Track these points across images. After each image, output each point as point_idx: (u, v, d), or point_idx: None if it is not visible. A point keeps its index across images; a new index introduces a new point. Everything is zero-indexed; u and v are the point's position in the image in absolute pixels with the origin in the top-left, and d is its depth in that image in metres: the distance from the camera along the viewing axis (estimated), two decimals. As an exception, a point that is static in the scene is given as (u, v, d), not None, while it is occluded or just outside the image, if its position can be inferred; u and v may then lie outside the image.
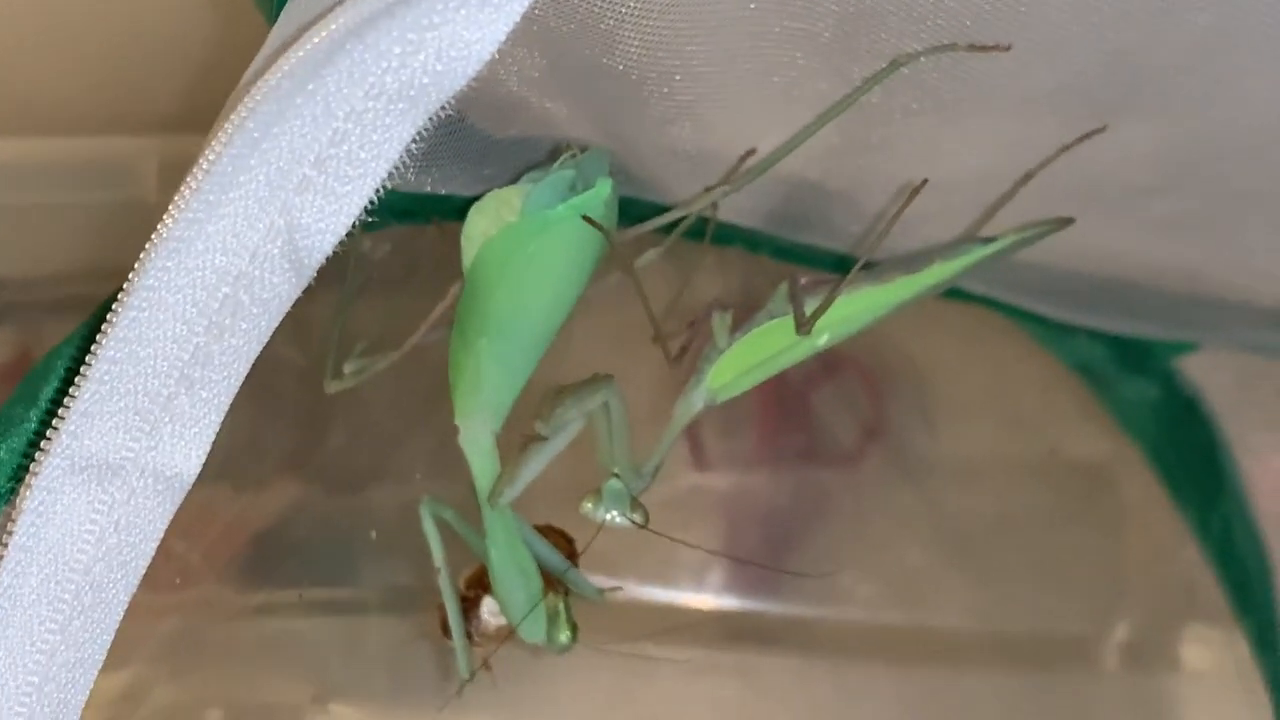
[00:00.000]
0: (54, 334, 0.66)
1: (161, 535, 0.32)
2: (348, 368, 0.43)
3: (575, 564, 0.44)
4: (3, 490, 0.35)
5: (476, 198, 0.41)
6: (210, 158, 0.29)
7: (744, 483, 0.66)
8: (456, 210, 0.42)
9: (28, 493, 0.31)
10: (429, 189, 0.42)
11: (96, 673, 0.32)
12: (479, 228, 0.40)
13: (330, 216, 0.30)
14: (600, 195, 0.39)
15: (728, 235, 0.50)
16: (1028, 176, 0.42)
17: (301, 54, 0.28)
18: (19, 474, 0.35)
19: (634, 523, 0.41)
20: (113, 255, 0.66)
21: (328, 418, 0.54)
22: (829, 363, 0.65)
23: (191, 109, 0.62)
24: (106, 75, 0.65)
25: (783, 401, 0.66)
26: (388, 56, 0.28)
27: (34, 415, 0.35)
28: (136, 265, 0.30)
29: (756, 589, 0.65)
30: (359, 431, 0.54)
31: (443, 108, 0.29)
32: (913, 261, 0.43)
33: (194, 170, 0.29)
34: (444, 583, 0.45)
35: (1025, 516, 0.64)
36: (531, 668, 0.49)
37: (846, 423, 0.65)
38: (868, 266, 0.41)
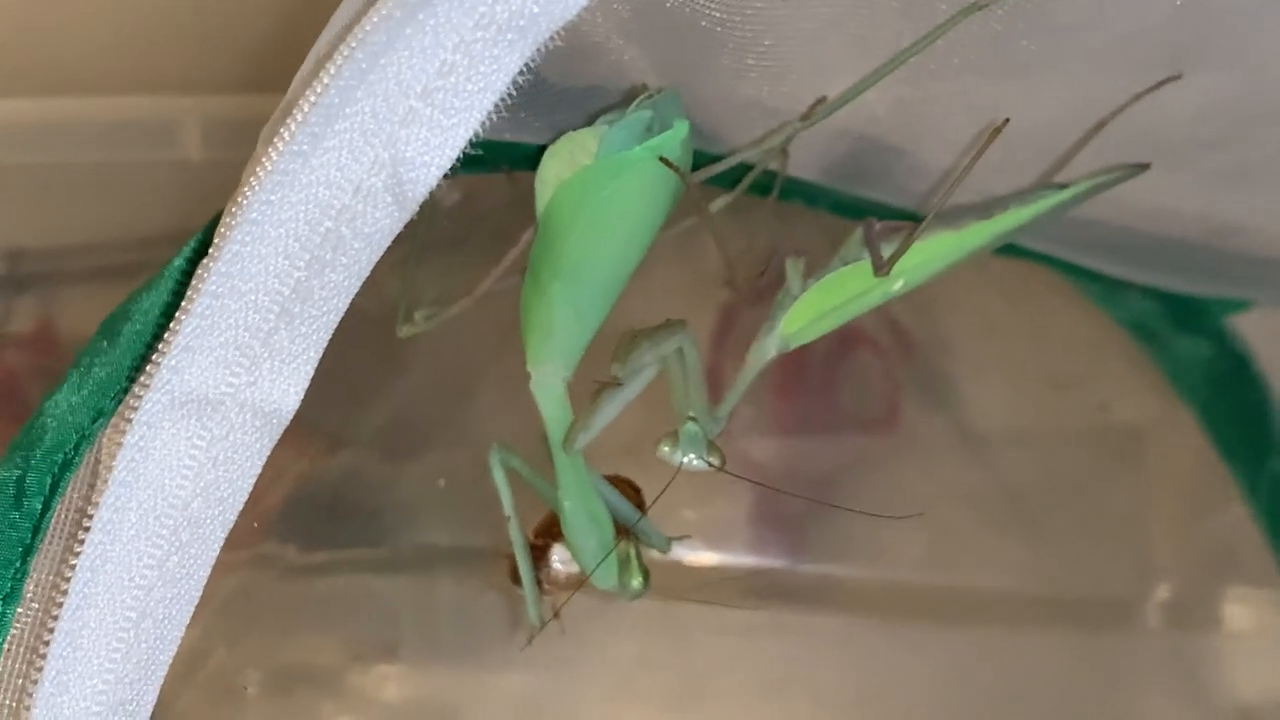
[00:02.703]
0: (80, 301, 0.66)
1: (259, 472, 0.32)
2: (419, 314, 0.43)
3: (643, 512, 0.44)
4: (88, 431, 0.35)
5: (547, 145, 0.41)
6: (317, 89, 0.29)
7: (770, 447, 0.66)
8: (527, 158, 0.42)
9: (128, 428, 0.30)
10: (500, 136, 0.42)
11: (192, 610, 0.32)
12: (554, 171, 0.40)
13: (435, 150, 0.30)
14: (678, 136, 0.39)
15: (788, 190, 0.50)
16: (1100, 125, 0.42)
17: (415, -18, 0.28)
18: (101, 415, 0.35)
19: (711, 465, 0.41)
20: (154, 215, 0.66)
21: (398, 366, 0.54)
22: (849, 333, 0.65)
23: (237, 68, 0.62)
24: (145, 33, 0.65)
25: (804, 367, 0.66)
26: (499, -16, 0.28)
27: (119, 355, 0.35)
28: (240, 199, 0.30)
29: (795, 549, 0.65)
30: (429, 380, 0.54)
31: (551, 38, 0.29)
32: (987, 207, 0.43)
33: (299, 102, 0.29)
34: (514, 531, 0.45)
35: (1069, 476, 0.65)
36: (575, 624, 0.49)
37: (873, 388, 0.65)
38: (941, 213, 0.41)
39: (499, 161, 0.43)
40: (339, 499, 0.55)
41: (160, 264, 0.64)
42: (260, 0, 0.62)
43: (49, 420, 0.35)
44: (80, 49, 0.65)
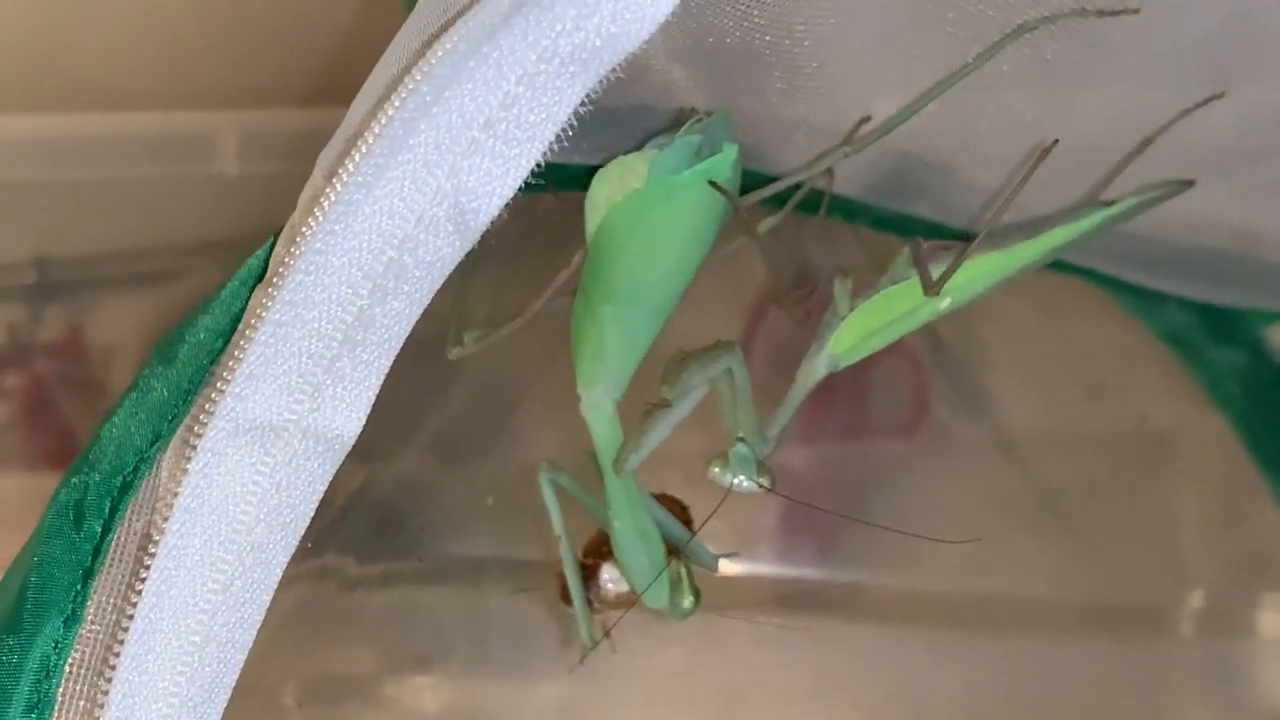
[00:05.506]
0: (110, 309, 0.67)
1: (321, 497, 0.32)
2: (468, 335, 0.43)
3: (692, 531, 0.44)
4: (146, 454, 0.35)
5: (594, 165, 0.41)
6: (381, 120, 0.29)
7: (803, 454, 0.66)
8: (574, 178, 0.42)
9: (193, 454, 0.31)
10: (548, 158, 0.42)
11: (254, 633, 0.33)
12: (604, 194, 0.40)
13: (497, 179, 0.30)
14: (727, 160, 0.39)
15: (830, 206, 0.50)
16: (1146, 142, 0.42)
17: (480, 17, 0.28)
18: (159, 439, 0.35)
19: (761, 486, 0.41)
20: (190, 227, 0.66)
21: (447, 387, 0.54)
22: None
23: (273, 83, 0.63)
24: (183, 49, 0.65)
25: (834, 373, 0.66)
26: (562, 19, 0.28)
27: (176, 379, 0.35)
28: (304, 229, 0.30)
29: (828, 556, 0.65)
30: (479, 395, 0.54)
31: (613, 70, 0.29)
32: (1034, 225, 0.43)
33: (364, 133, 0.30)
34: (564, 550, 0.45)
35: (1104, 483, 0.65)
36: (615, 636, 0.49)
37: (902, 388, 0.65)
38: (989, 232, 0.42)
39: (545, 182, 0.43)
40: (392, 512, 0.55)
41: (194, 272, 0.64)
42: (296, 17, 0.62)
43: (107, 443, 0.35)
44: (118, 65, 0.65)
